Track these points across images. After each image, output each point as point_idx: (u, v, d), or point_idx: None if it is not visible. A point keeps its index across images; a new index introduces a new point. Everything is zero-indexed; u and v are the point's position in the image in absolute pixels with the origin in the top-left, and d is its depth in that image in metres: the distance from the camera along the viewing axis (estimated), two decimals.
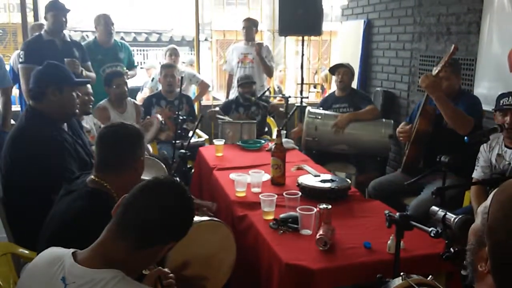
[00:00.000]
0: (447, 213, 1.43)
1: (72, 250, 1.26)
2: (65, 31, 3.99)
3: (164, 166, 2.99)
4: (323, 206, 2.08)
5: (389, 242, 1.91)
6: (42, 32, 3.87)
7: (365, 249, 1.96)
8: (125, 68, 4.52)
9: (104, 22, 4.49)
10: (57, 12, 3.81)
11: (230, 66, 5.28)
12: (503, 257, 0.83)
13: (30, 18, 5.13)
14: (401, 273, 1.07)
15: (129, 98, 4.09)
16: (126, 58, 4.69)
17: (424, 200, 2.86)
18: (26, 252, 2.04)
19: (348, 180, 2.70)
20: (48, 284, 1.19)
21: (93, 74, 3.99)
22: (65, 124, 2.50)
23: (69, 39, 3.95)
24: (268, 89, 5.13)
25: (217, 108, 4.51)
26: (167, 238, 1.28)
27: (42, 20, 4.97)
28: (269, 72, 5.19)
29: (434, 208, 1.48)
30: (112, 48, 4.54)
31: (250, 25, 5.09)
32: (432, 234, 1.46)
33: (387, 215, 1.69)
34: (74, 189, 1.75)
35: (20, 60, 3.76)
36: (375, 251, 1.94)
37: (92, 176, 1.75)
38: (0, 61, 3.74)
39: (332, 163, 3.92)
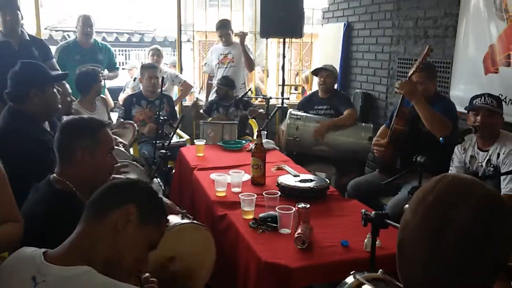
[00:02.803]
0: None
1: (43, 250, 1.27)
2: (44, 32, 3.86)
3: (144, 171, 3.00)
4: (301, 205, 2.11)
5: (365, 240, 1.95)
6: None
7: (342, 247, 2.00)
8: (105, 70, 4.48)
9: (82, 23, 4.46)
10: (5, 11, 3.57)
11: (209, 68, 5.29)
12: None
13: None
14: (352, 272, 1.10)
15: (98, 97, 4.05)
16: (106, 60, 4.66)
17: (401, 200, 2.92)
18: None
19: (327, 180, 2.74)
20: (18, 284, 1.19)
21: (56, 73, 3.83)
22: (47, 123, 2.49)
23: (27, 38, 3.74)
24: (250, 89, 5.16)
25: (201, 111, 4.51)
26: (123, 199, 1.27)
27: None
28: (251, 66, 5.15)
29: (407, 207, 1.52)
30: (90, 49, 4.51)
31: (226, 30, 5.04)
32: None
33: (363, 213, 1.74)
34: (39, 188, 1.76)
35: None
36: (352, 249, 1.98)
37: (54, 174, 1.75)
38: None
39: (312, 164, 3.97)
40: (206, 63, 5.42)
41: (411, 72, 3.00)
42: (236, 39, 5.03)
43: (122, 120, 4.17)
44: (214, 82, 5.10)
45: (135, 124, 4.05)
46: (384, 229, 1.70)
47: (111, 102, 5.10)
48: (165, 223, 1.39)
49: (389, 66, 4.58)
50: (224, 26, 5.06)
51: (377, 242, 1.78)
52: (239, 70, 5.10)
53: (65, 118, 3.09)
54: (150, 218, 1.29)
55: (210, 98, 5.00)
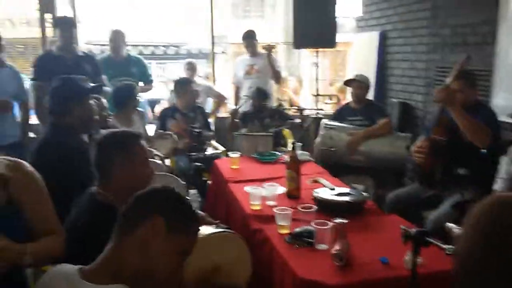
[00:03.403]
0: None
1: (78, 266, 1.28)
2: (85, 46, 4.00)
3: (182, 185, 3.02)
4: (338, 220, 2.06)
5: (406, 257, 1.88)
6: (54, 47, 3.90)
7: (382, 264, 1.93)
8: (140, 83, 4.54)
9: (113, 38, 4.54)
10: (63, 27, 3.80)
11: (236, 79, 5.30)
12: None
13: (50, 33, 5.23)
14: None
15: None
16: (139, 73, 4.70)
17: (443, 214, 2.81)
18: None
19: (365, 193, 2.68)
20: None
21: (108, 88, 3.95)
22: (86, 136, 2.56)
23: (81, 54, 3.93)
24: (284, 100, 5.15)
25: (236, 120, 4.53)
26: (149, 211, 1.26)
27: None
28: (278, 78, 5.16)
29: (449, 224, 1.46)
30: (123, 63, 4.57)
31: (251, 41, 5.07)
32: (447, 252, 1.43)
33: (403, 230, 1.67)
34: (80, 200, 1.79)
35: (31, 77, 3.80)
36: (392, 267, 1.91)
37: (95, 187, 1.78)
38: (18, 75, 3.81)
39: (349, 175, 3.89)
40: (233, 74, 5.44)
41: (449, 80, 2.91)
42: (263, 50, 5.03)
43: (161, 131, 4.22)
44: (241, 93, 5.13)
45: (175, 135, 4.09)
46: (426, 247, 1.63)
47: (150, 115, 5.19)
48: (197, 229, 1.36)
49: (426, 75, 4.47)
50: (249, 37, 5.07)
51: (418, 259, 1.71)
52: (266, 81, 5.09)
53: (102, 132, 3.16)
54: (179, 227, 1.28)
55: (242, 109, 5.01)
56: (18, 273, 1.39)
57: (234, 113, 4.62)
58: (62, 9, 5.45)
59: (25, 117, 3.89)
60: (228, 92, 6.03)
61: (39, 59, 3.92)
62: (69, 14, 5.30)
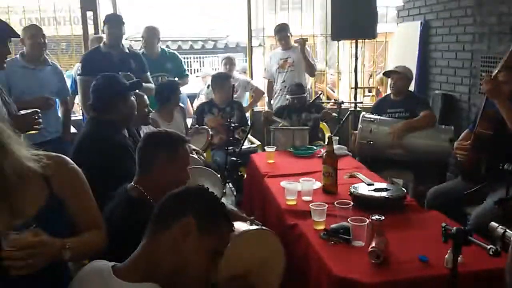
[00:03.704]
0: (507, 230, 1.32)
1: (111, 263, 1.29)
2: (125, 42, 4.06)
3: (219, 177, 3.03)
4: (376, 217, 2.01)
5: (446, 256, 1.81)
6: (101, 44, 3.98)
7: (421, 263, 1.86)
8: (167, 77, 4.54)
9: (147, 34, 4.57)
10: (111, 25, 3.86)
11: (269, 73, 5.26)
12: None
13: (91, 30, 5.35)
14: None
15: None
16: (174, 68, 4.71)
17: (486, 210, 2.69)
18: None
19: (404, 189, 2.59)
20: None
21: (150, 85, 3.98)
22: (125, 130, 2.61)
23: (127, 51, 3.99)
24: (321, 93, 5.07)
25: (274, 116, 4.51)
26: (181, 212, 1.27)
27: (102, 33, 5.20)
28: (312, 71, 5.10)
29: (494, 224, 1.38)
30: (158, 59, 4.58)
31: (284, 34, 5.02)
32: (490, 253, 1.36)
33: (444, 228, 1.60)
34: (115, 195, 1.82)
35: (78, 72, 3.90)
36: (432, 266, 1.84)
37: (132, 183, 1.81)
38: (60, 73, 3.92)
39: (387, 169, 3.80)
40: (265, 68, 5.39)
41: (496, 71, 2.77)
42: (296, 44, 4.97)
43: (197, 126, 4.26)
44: (275, 87, 5.09)
45: (210, 130, 4.11)
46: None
47: (191, 110, 5.23)
48: (229, 228, 1.36)
49: (471, 66, 4.29)
50: (282, 30, 5.03)
51: (459, 258, 1.64)
52: (300, 74, 5.04)
53: (143, 128, 3.21)
54: (210, 226, 1.28)
55: (277, 103, 4.98)
56: (60, 267, 1.41)
57: (269, 107, 4.60)
58: (104, 7, 5.58)
59: (67, 113, 4.00)
60: (264, 86, 6.00)
61: (87, 56, 4.01)
62: (110, 11, 5.41)
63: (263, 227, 1.95)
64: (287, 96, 4.48)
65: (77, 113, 5.16)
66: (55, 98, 3.77)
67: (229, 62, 5.30)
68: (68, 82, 4.31)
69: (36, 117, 2.50)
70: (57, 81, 3.79)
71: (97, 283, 1.22)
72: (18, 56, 3.61)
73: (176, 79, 4.63)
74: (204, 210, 1.29)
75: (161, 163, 1.81)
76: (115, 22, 3.89)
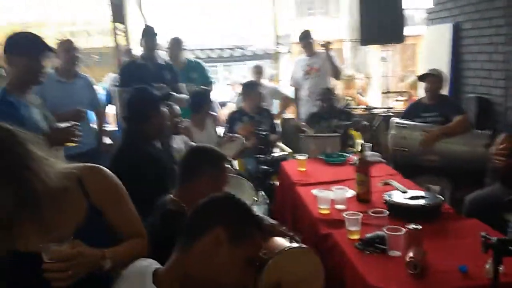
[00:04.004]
0: None
1: (154, 267, 1.31)
2: (161, 54, 4.14)
3: (252, 186, 3.03)
4: (412, 226, 1.96)
5: (487, 266, 1.75)
6: (138, 56, 4.06)
7: (460, 273, 1.81)
8: (196, 87, 4.59)
9: (172, 45, 4.61)
10: (148, 38, 3.95)
11: (294, 81, 5.24)
12: None
13: (123, 42, 5.46)
14: None
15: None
16: (200, 77, 4.75)
17: None
18: None
19: (441, 196, 2.53)
20: None
21: (184, 96, 4.03)
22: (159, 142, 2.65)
23: (162, 62, 4.06)
24: (351, 99, 5.03)
25: (303, 123, 4.50)
26: (210, 223, 1.27)
27: (132, 44, 5.30)
28: (337, 74, 5.07)
29: None
30: (183, 69, 4.61)
31: (307, 40, 5.01)
32: None
33: (483, 238, 1.55)
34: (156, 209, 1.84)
35: (116, 83, 3.98)
36: (472, 276, 1.79)
37: (171, 195, 1.83)
38: (92, 85, 4.01)
39: (423, 176, 3.71)
40: (291, 76, 5.37)
41: None
42: (321, 49, 4.95)
43: (229, 134, 4.28)
44: (302, 94, 5.07)
45: (243, 138, 4.12)
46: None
47: (222, 117, 5.27)
48: (260, 235, 1.35)
49: (506, 67, 4.17)
50: (306, 37, 5.03)
51: (500, 268, 1.59)
52: (326, 79, 5.01)
53: (174, 137, 3.26)
54: (241, 235, 1.27)
55: (305, 110, 4.96)
56: (101, 276, 1.42)
57: (297, 115, 4.59)
58: (134, 19, 5.69)
59: (100, 124, 4.09)
60: (293, 92, 5.99)
61: (124, 67, 4.12)
62: (140, 23, 5.51)
63: (304, 245, 1.93)
64: (316, 102, 4.46)
65: (112, 124, 5.25)
66: (88, 110, 3.86)
67: (258, 71, 5.32)
68: (101, 94, 4.40)
69: (75, 130, 2.55)
70: (89, 93, 3.88)
71: (136, 285, 1.24)
72: (52, 70, 3.71)
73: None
74: (233, 219, 1.29)
75: (204, 177, 1.84)
76: (149, 34, 3.99)
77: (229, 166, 3.45)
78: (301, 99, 5.18)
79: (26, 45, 2.43)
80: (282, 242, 1.92)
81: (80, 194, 1.43)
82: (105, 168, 1.53)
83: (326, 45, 4.90)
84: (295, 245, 1.91)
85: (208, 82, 4.86)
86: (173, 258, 1.29)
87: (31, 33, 2.55)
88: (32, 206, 1.30)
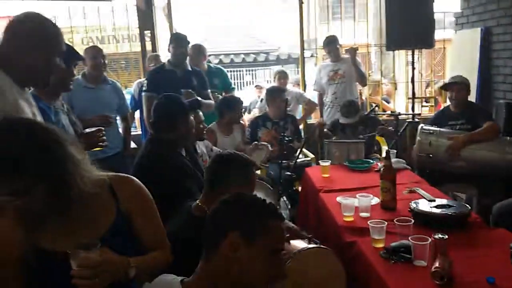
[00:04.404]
0: None
1: (180, 278, 1.32)
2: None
3: (272, 189, 3.03)
4: (439, 235, 1.93)
5: None
6: (166, 62, 4.11)
7: (488, 284, 1.77)
8: (217, 94, 4.56)
9: (193, 52, 4.61)
10: (177, 44, 3.96)
11: (319, 86, 5.20)
12: None
13: (149, 47, 5.54)
14: None
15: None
16: (221, 83, 4.77)
17: None
18: None
19: (468, 205, 2.47)
20: None
21: (210, 102, 4.05)
22: (183, 149, 2.66)
23: (190, 69, 4.08)
24: (376, 106, 4.97)
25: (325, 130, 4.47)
26: (224, 229, 1.27)
27: (159, 50, 5.37)
28: (363, 81, 5.03)
29: None
30: (205, 75, 4.67)
31: (333, 46, 4.96)
32: None
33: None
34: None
35: (144, 88, 4.04)
36: (500, 287, 1.75)
37: (197, 201, 1.83)
38: (120, 90, 4.07)
39: (449, 184, 3.64)
40: (315, 81, 5.33)
41: None
42: (346, 54, 4.91)
43: (256, 143, 4.28)
44: (326, 99, 5.04)
45: (269, 145, 4.12)
46: None
47: (245, 121, 5.29)
48: (279, 223, 1.35)
49: None
50: (331, 43, 4.99)
51: None
52: (351, 85, 4.97)
53: (198, 143, 3.28)
54: (256, 232, 1.28)
55: (329, 116, 4.92)
56: (125, 285, 1.44)
57: (322, 122, 4.56)
58: (161, 25, 5.76)
59: (127, 129, 4.15)
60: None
61: (152, 73, 4.14)
62: (167, 29, 5.58)
63: (324, 246, 1.92)
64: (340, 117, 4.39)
65: (137, 129, 5.33)
66: (116, 115, 3.92)
67: (282, 76, 5.31)
68: (128, 99, 4.46)
69: (101, 134, 2.60)
70: (117, 99, 3.94)
71: None
72: (80, 76, 3.78)
73: (222, 93, 4.69)
74: (245, 219, 1.30)
75: (231, 183, 1.85)
76: (180, 41, 4.00)
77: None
78: (325, 105, 5.15)
79: None
80: (300, 244, 1.92)
81: (110, 200, 1.46)
82: (136, 179, 1.55)
83: (352, 51, 4.86)
84: (313, 245, 1.91)
85: (229, 88, 4.92)
86: (199, 267, 1.30)
87: None
88: (63, 206, 1.33)
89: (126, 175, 1.55)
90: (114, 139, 3.81)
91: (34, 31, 1.73)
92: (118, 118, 4.04)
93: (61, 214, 1.35)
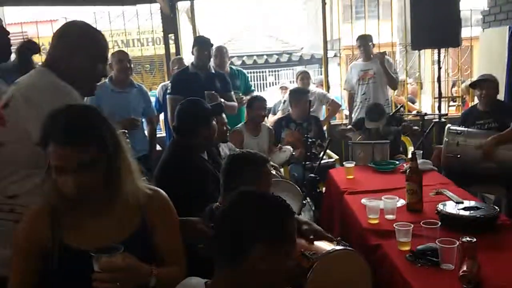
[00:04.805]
0: None
1: (204, 280, 1.33)
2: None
3: (299, 191, 3.03)
4: (467, 239, 1.89)
5: None
6: (190, 65, 4.15)
7: None
8: (241, 94, 4.59)
9: (218, 54, 4.62)
10: (201, 47, 4.00)
11: (350, 85, 5.17)
12: None
13: (173, 50, 5.60)
14: None
15: (264, 123, 4.26)
16: (242, 84, 4.80)
17: None
18: None
19: (496, 207, 2.42)
20: None
21: (233, 104, 4.09)
22: (205, 152, 2.68)
23: (213, 71, 4.12)
24: (401, 106, 4.91)
25: (349, 126, 4.44)
26: (250, 243, 1.25)
27: (183, 53, 5.43)
28: (393, 84, 4.97)
29: None
30: (229, 77, 4.67)
31: (366, 42, 4.93)
32: None
33: None
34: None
35: (168, 91, 4.09)
36: None
37: (217, 203, 1.85)
38: (146, 94, 4.13)
39: (478, 185, 3.55)
40: (346, 80, 5.31)
41: None
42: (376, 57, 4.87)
43: (280, 145, 4.28)
44: (356, 99, 5.00)
45: (291, 148, 4.12)
46: None
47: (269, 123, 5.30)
48: (293, 222, 1.34)
49: None
50: (364, 38, 4.98)
51: None
52: (381, 86, 4.91)
53: (221, 145, 3.29)
54: (280, 241, 1.28)
55: (358, 116, 4.88)
56: None
57: (349, 120, 4.53)
58: (185, 29, 5.82)
59: (153, 131, 4.20)
60: (340, 96, 5.93)
61: (176, 76, 4.20)
62: (190, 32, 5.64)
63: (351, 248, 1.91)
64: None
65: (162, 131, 5.39)
66: (142, 118, 3.98)
67: (305, 76, 5.30)
68: (152, 101, 4.52)
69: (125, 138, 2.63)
70: (143, 102, 4.00)
71: None
72: (107, 80, 3.85)
73: (241, 95, 4.70)
74: (269, 230, 1.27)
75: (245, 182, 1.83)
76: (203, 44, 4.04)
77: (276, 173, 3.46)
78: (355, 105, 5.10)
79: None
80: (327, 245, 1.91)
81: (137, 209, 1.49)
82: (164, 193, 1.58)
83: (380, 56, 4.80)
84: (340, 247, 1.89)
85: (250, 90, 4.95)
86: (222, 272, 1.30)
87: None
88: (110, 193, 1.43)
89: (155, 187, 1.58)
90: (140, 142, 3.87)
91: (81, 36, 1.79)
92: (144, 120, 4.10)
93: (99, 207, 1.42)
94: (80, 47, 1.77)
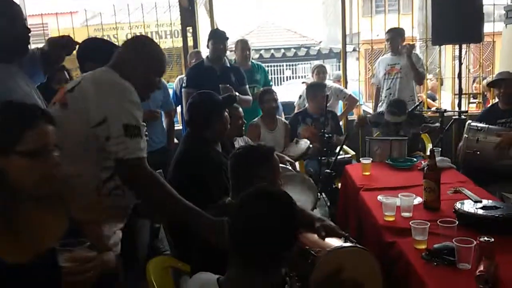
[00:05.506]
0: None
1: (216, 276, 1.34)
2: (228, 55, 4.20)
3: (314, 185, 3.02)
4: (484, 238, 1.86)
5: None
6: (205, 58, 4.15)
7: None
8: (260, 88, 4.59)
9: (241, 48, 4.63)
10: (216, 41, 4.00)
11: (377, 79, 5.11)
12: None
13: (191, 43, 5.61)
14: None
15: (280, 118, 4.24)
16: (262, 79, 4.79)
17: None
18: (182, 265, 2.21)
19: None
20: None
21: (248, 97, 4.08)
22: (219, 144, 2.68)
23: (228, 65, 4.11)
24: (421, 102, 4.84)
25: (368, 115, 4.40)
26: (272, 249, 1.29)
27: (201, 46, 5.43)
28: (420, 79, 4.90)
29: None
30: (249, 71, 4.63)
31: (395, 36, 4.85)
32: None
33: None
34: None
35: (184, 84, 4.10)
36: None
37: (229, 197, 1.86)
38: (164, 87, 4.14)
39: (496, 183, 3.49)
40: (373, 74, 5.25)
41: None
42: (403, 51, 4.79)
43: (297, 139, 4.26)
44: (382, 94, 4.94)
45: (308, 142, 4.11)
46: None
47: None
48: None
49: None
50: (393, 31, 4.90)
51: None
52: (408, 82, 4.83)
53: (237, 139, 3.30)
54: (292, 242, 1.34)
55: (379, 109, 4.83)
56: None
57: (363, 118, 4.49)
58: (203, 22, 5.82)
59: (171, 124, 4.22)
60: (358, 91, 5.87)
61: (191, 69, 4.21)
62: (208, 25, 5.64)
63: (360, 246, 1.89)
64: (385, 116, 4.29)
65: (179, 124, 5.42)
66: (161, 110, 4.00)
67: (322, 71, 5.23)
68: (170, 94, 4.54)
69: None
70: (162, 95, 4.01)
71: None
72: None
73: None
74: (281, 235, 1.31)
75: (259, 179, 1.83)
76: (219, 38, 4.03)
77: (292, 167, 3.45)
78: (380, 99, 5.04)
79: (101, 53, 2.54)
80: (335, 242, 1.90)
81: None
82: None
83: (408, 48, 4.70)
84: (348, 244, 1.87)
85: (269, 84, 4.93)
86: (236, 269, 1.31)
87: (103, 39, 2.68)
88: None
89: None
90: (159, 135, 3.89)
91: (150, 51, 1.99)
92: (162, 113, 4.12)
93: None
94: (146, 59, 1.95)
